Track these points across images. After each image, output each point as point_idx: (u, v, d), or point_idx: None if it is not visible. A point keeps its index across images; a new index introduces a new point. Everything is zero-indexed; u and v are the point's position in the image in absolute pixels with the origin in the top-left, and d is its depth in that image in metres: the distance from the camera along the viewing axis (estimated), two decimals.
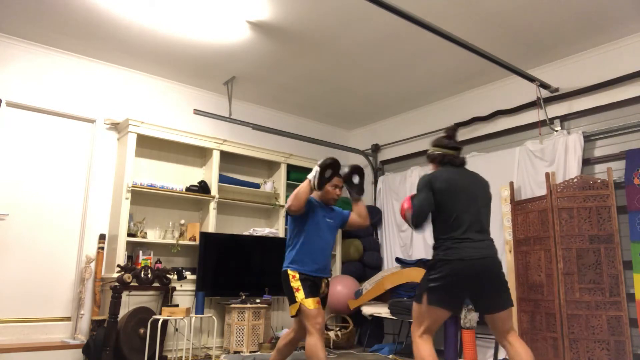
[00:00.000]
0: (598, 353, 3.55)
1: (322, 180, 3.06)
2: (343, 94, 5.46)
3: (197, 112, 4.98)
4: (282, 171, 5.65)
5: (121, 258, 4.33)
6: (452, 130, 2.82)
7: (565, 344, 3.65)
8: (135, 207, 4.65)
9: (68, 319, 4.34)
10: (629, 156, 3.78)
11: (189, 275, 4.58)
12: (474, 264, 2.44)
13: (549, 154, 4.34)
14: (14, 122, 4.33)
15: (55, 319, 4.29)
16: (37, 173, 4.39)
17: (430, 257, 2.65)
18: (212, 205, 5.00)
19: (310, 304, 2.92)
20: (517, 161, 4.56)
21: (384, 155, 6.23)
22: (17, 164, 4.30)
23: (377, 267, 5.71)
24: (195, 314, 4.30)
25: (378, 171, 6.22)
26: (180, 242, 4.81)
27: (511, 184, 4.45)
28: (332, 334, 5.02)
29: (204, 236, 4.79)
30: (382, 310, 4.80)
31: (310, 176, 3.06)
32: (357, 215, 3.25)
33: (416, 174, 5.55)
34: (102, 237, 4.54)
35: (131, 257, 4.56)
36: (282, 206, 5.55)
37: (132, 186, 4.51)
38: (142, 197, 4.74)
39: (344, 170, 3.17)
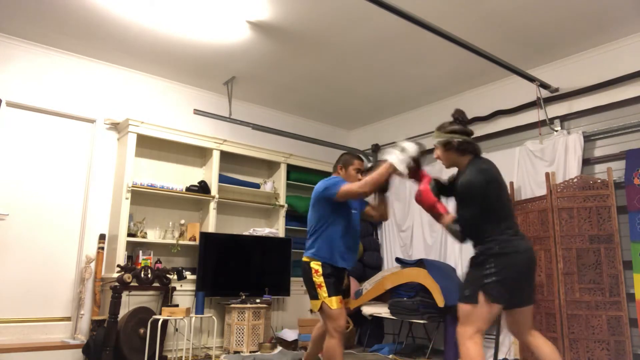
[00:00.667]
0: (598, 353, 3.55)
1: (413, 167, 2.71)
2: (343, 94, 5.46)
3: (197, 112, 4.98)
4: (282, 171, 5.65)
5: (121, 258, 4.34)
6: (462, 115, 2.62)
7: (565, 344, 3.65)
8: (135, 207, 4.65)
9: (68, 319, 4.34)
10: (629, 156, 3.78)
11: (189, 275, 4.58)
12: (527, 255, 2.39)
13: (549, 154, 4.34)
14: (14, 122, 4.33)
15: (55, 319, 4.29)
16: (37, 173, 4.39)
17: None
18: (212, 205, 5.00)
19: (334, 303, 2.81)
20: (517, 161, 4.56)
21: (384, 155, 6.22)
22: (17, 164, 4.30)
23: (377, 267, 5.70)
24: (195, 314, 4.30)
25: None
26: (180, 242, 4.81)
27: (511, 183, 4.45)
28: None
29: (204, 236, 4.79)
30: (382, 310, 4.80)
31: (394, 159, 2.69)
32: (376, 211, 3.12)
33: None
34: (102, 237, 4.54)
35: (131, 257, 4.56)
36: (282, 206, 5.55)
37: (132, 186, 4.50)
38: (142, 197, 4.74)
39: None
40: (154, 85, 5.11)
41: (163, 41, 4.32)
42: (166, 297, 4.38)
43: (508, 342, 4.21)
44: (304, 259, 2.98)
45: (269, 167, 5.81)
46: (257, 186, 5.53)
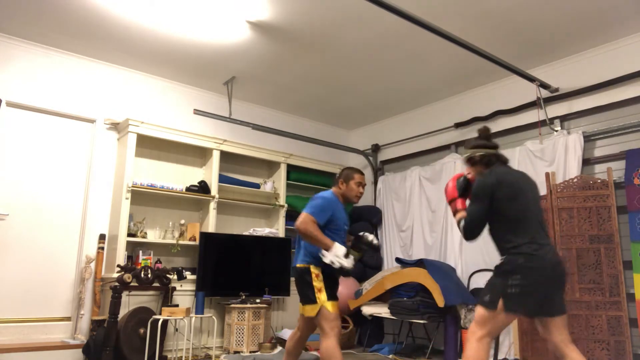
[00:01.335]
0: (598, 353, 3.55)
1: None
2: (343, 94, 5.46)
3: (197, 112, 4.98)
4: (282, 171, 5.65)
5: (121, 258, 4.34)
6: (486, 131, 2.73)
7: None
8: (135, 207, 4.65)
9: (68, 319, 4.34)
10: (629, 156, 3.78)
11: (189, 275, 4.58)
12: (554, 271, 2.39)
13: (549, 154, 4.34)
14: (14, 122, 4.33)
15: (55, 319, 4.29)
16: (37, 173, 4.39)
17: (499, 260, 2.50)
18: (212, 205, 5.00)
19: (332, 307, 2.86)
20: (517, 161, 4.56)
21: (384, 155, 6.23)
22: (17, 164, 4.30)
23: (377, 267, 5.70)
24: (195, 314, 4.30)
25: (378, 171, 6.22)
26: (180, 242, 4.81)
27: None
28: None
29: (204, 236, 4.79)
30: (382, 310, 4.80)
31: (330, 258, 2.82)
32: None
33: (416, 173, 5.56)
34: (102, 237, 4.54)
35: (131, 257, 4.56)
36: (282, 206, 5.55)
37: (132, 186, 4.51)
38: (142, 197, 4.74)
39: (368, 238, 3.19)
40: (154, 85, 5.11)
41: (163, 41, 4.32)
42: (166, 297, 4.38)
43: (508, 342, 4.22)
44: (300, 265, 2.98)
45: (269, 167, 5.81)
46: (257, 186, 5.53)
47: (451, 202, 2.70)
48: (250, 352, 4.52)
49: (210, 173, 5.12)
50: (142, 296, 4.34)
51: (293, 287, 5.19)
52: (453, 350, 4.33)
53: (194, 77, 5.12)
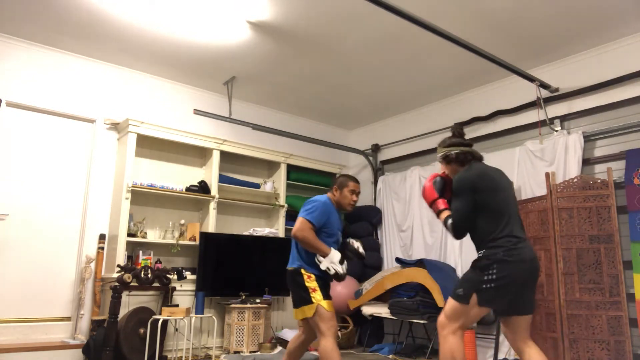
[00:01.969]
0: (598, 353, 3.55)
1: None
2: (343, 94, 5.46)
3: (197, 112, 4.98)
4: (282, 171, 5.65)
5: (121, 258, 4.34)
6: (458, 129, 2.74)
7: (565, 344, 3.65)
8: (135, 207, 4.65)
9: (68, 319, 4.34)
10: (629, 156, 3.78)
11: (189, 275, 4.57)
12: (532, 265, 2.39)
13: (549, 154, 4.34)
14: (14, 122, 4.33)
15: (55, 319, 4.29)
16: (37, 173, 4.39)
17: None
18: (212, 205, 5.00)
19: (327, 306, 2.88)
20: (517, 161, 4.56)
21: (384, 155, 6.23)
22: (17, 164, 4.30)
23: (377, 267, 5.70)
24: (195, 314, 4.31)
25: (378, 171, 6.22)
26: (180, 242, 4.81)
27: (511, 183, 4.44)
28: None
29: (204, 236, 4.79)
30: (382, 310, 4.80)
31: (329, 256, 2.94)
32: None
33: (416, 173, 5.56)
34: (102, 237, 4.54)
35: (131, 257, 4.56)
36: (282, 206, 5.55)
37: (132, 186, 4.51)
38: (142, 197, 4.74)
39: (354, 245, 3.17)
40: (154, 85, 5.11)
41: (163, 41, 4.32)
42: (166, 297, 4.38)
43: (508, 342, 4.21)
44: (291, 268, 3.02)
45: (269, 167, 5.81)
46: (257, 186, 5.53)
47: (432, 203, 2.68)
48: (250, 352, 4.52)
49: (210, 173, 5.12)
50: (142, 296, 4.34)
51: None
52: None
53: (194, 77, 5.12)
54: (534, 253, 2.45)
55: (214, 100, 5.43)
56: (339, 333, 5.06)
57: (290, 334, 4.85)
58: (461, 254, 4.86)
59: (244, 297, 4.71)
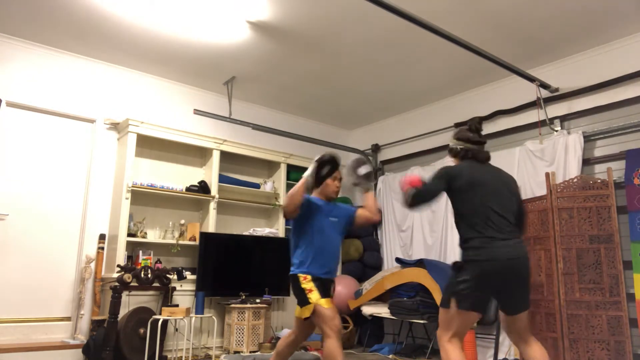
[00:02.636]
0: (598, 353, 3.55)
1: (320, 177, 2.94)
2: (343, 94, 5.46)
3: (197, 112, 4.98)
4: (282, 171, 5.65)
5: (121, 258, 4.33)
6: (476, 124, 2.67)
7: (565, 344, 3.65)
8: (135, 207, 4.65)
9: (68, 319, 4.34)
10: (629, 156, 3.78)
11: (189, 275, 4.57)
12: (505, 264, 2.33)
13: (549, 154, 4.34)
14: (14, 122, 4.33)
15: (55, 319, 4.29)
16: (37, 173, 4.39)
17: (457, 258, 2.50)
18: (212, 205, 5.00)
19: (325, 304, 2.81)
20: (517, 161, 4.56)
21: (384, 155, 6.23)
22: (17, 164, 4.30)
23: (377, 267, 5.71)
24: (195, 314, 4.30)
25: (378, 171, 6.22)
26: (180, 242, 4.81)
27: None
28: None
29: (204, 236, 4.79)
30: (382, 310, 4.80)
31: (306, 174, 2.88)
32: (366, 210, 3.09)
33: (416, 174, 5.55)
34: (102, 237, 4.54)
35: (131, 257, 4.56)
36: (282, 206, 5.55)
37: (132, 186, 4.51)
38: (142, 197, 4.74)
39: (349, 163, 3.04)
40: (154, 85, 5.11)
41: (163, 41, 4.32)
42: (166, 297, 4.38)
43: (508, 342, 4.21)
44: (291, 273, 3.06)
45: (269, 167, 5.81)
46: (257, 186, 5.53)
47: (411, 182, 2.56)
48: (250, 352, 4.52)
49: (210, 173, 5.12)
50: (142, 296, 4.34)
51: None
52: None
53: (194, 77, 5.12)
54: (515, 252, 2.36)
55: (214, 100, 5.43)
56: None
57: None
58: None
59: (244, 297, 4.71)
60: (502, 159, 4.69)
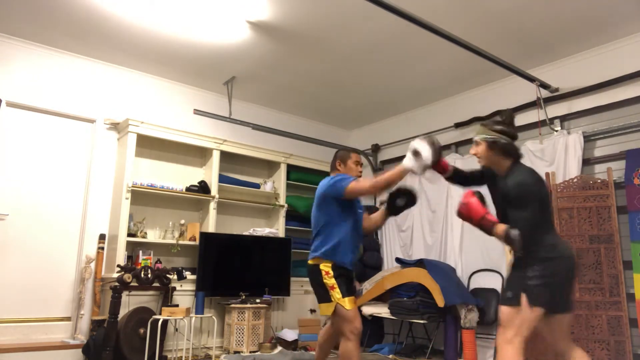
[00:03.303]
0: (598, 353, 3.55)
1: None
2: (343, 94, 5.46)
3: (197, 112, 4.98)
4: (282, 171, 5.65)
5: (121, 258, 4.33)
6: (511, 117, 2.53)
7: None
8: (135, 207, 4.65)
9: (68, 319, 4.34)
10: (629, 156, 3.78)
11: (189, 275, 4.57)
12: (572, 261, 2.34)
13: (549, 154, 4.34)
14: (14, 122, 4.33)
15: (55, 319, 4.29)
16: (37, 173, 4.39)
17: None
18: (212, 205, 5.00)
19: (348, 303, 2.68)
20: None
21: (384, 155, 6.23)
22: (17, 164, 4.30)
23: (377, 267, 5.70)
24: (195, 314, 4.31)
25: (378, 171, 6.22)
26: (180, 242, 4.81)
27: None
28: None
29: (204, 236, 4.79)
30: (382, 310, 4.80)
31: (410, 165, 2.55)
32: (370, 222, 3.03)
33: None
34: (102, 237, 4.54)
35: (131, 257, 4.56)
36: (282, 206, 5.55)
37: (132, 186, 4.51)
38: (142, 197, 4.74)
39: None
40: (154, 85, 5.10)
41: (163, 41, 4.32)
42: (166, 297, 4.38)
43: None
44: (311, 261, 2.84)
45: (269, 167, 5.81)
46: (257, 186, 5.53)
47: (482, 219, 2.41)
48: (250, 352, 4.52)
49: (210, 173, 5.12)
50: (142, 296, 4.34)
51: (293, 287, 5.23)
52: (453, 350, 4.34)
53: (194, 77, 5.12)
54: (572, 250, 2.40)
55: (214, 100, 5.43)
56: None
57: (290, 334, 4.85)
58: (461, 254, 4.86)
59: (244, 297, 4.71)
60: None
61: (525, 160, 4.41)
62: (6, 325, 4.03)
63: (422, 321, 4.43)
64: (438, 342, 4.77)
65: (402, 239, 5.60)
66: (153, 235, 4.80)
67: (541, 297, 2.25)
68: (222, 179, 5.16)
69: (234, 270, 4.94)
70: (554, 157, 4.28)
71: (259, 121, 5.53)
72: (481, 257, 4.61)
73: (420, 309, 4.40)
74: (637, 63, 3.94)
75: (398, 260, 5.07)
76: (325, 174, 6.06)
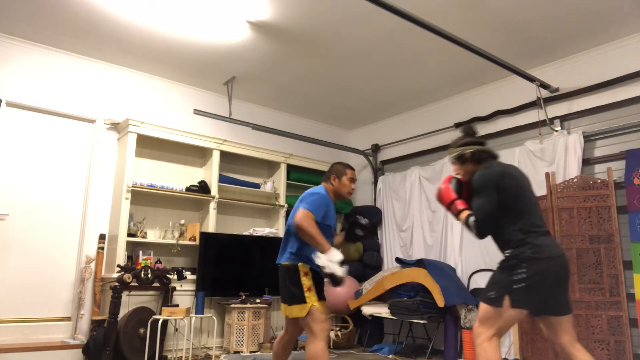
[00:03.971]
0: (598, 353, 3.55)
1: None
2: (343, 94, 5.46)
3: (197, 112, 4.98)
4: (282, 171, 5.65)
5: (121, 258, 4.34)
6: (471, 128, 2.69)
7: None
8: (135, 207, 4.65)
9: (68, 319, 4.34)
10: (629, 156, 3.78)
11: (189, 275, 4.57)
12: (561, 261, 2.32)
13: (549, 154, 4.34)
14: (14, 122, 4.33)
15: (55, 319, 4.29)
16: (37, 173, 4.39)
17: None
18: (212, 205, 5.00)
19: (321, 308, 2.75)
20: (517, 161, 4.56)
21: (384, 155, 6.23)
22: (17, 164, 4.30)
23: (377, 267, 5.71)
24: (195, 314, 4.31)
25: (378, 171, 6.22)
26: (180, 242, 4.81)
27: None
28: (332, 334, 5.02)
29: (204, 236, 4.79)
30: (382, 310, 4.80)
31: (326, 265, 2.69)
32: (337, 240, 3.16)
33: (416, 173, 5.56)
34: (102, 237, 4.54)
35: (131, 257, 4.56)
36: (282, 206, 5.55)
37: (132, 186, 4.51)
38: (142, 197, 4.74)
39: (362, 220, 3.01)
40: (154, 85, 5.11)
41: (163, 41, 4.32)
42: (166, 297, 4.38)
43: (508, 342, 4.22)
44: (286, 263, 2.85)
45: (269, 167, 5.81)
46: (257, 186, 5.53)
47: (450, 204, 2.58)
48: (250, 352, 4.52)
49: (210, 173, 5.12)
50: (142, 296, 4.34)
51: None
52: (453, 350, 4.34)
53: (194, 77, 5.12)
54: (562, 249, 2.39)
55: (214, 100, 5.43)
56: (339, 333, 5.06)
57: None
58: (461, 254, 4.86)
59: (244, 297, 4.71)
60: (502, 159, 4.68)
61: (525, 160, 4.49)
62: (6, 325, 4.03)
63: (422, 321, 4.43)
64: (438, 342, 4.77)
65: (402, 239, 5.60)
66: (153, 235, 4.80)
67: (525, 300, 2.27)
68: (222, 179, 5.17)
69: (234, 270, 4.94)
70: (554, 157, 4.28)
71: (259, 121, 5.53)
72: (481, 257, 4.61)
73: (420, 309, 4.40)
74: (637, 63, 3.94)
75: (398, 260, 5.07)
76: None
